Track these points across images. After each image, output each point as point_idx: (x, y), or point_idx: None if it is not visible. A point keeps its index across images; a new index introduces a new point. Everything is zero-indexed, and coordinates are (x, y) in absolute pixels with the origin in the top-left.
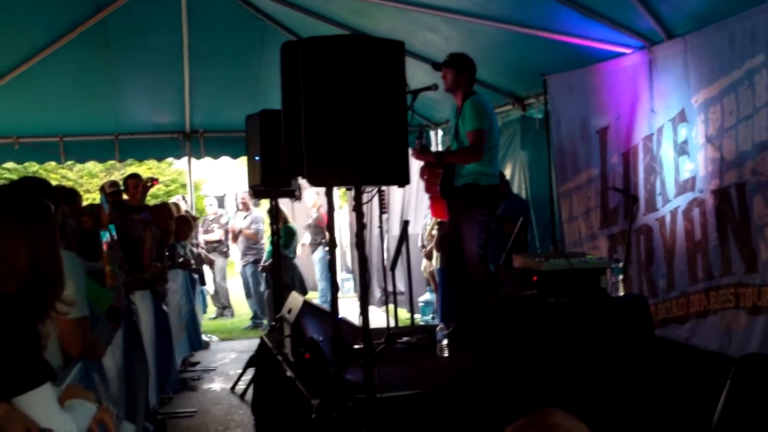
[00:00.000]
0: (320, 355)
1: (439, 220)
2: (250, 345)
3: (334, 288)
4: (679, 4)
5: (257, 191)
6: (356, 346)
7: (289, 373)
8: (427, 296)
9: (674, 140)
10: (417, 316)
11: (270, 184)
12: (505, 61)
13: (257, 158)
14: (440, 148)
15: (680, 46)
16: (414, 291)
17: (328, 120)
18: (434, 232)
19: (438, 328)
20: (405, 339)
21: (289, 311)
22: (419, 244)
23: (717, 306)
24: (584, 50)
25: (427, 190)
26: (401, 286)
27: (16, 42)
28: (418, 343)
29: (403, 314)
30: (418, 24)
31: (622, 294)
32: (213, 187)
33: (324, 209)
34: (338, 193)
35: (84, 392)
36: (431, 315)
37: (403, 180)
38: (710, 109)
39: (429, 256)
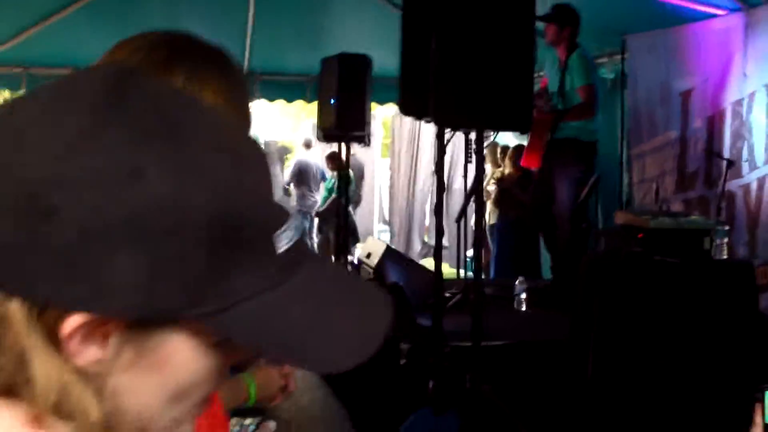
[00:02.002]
0: (404, 300)
1: (497, 176)
2: None
3: (439, 234)
4: None
5: (328, 135)
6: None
7: None
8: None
9: None
10: (461, 271)
11: (345, 127)
12: (581, 17)
13: (333, 101)
14: None
15: None
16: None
17: (458, 60)
18: (490, 187)
19: (517, 281)
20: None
21: (368, 255)
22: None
23: None
24: (670, 9)
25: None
26: (445, 240)
27: None
28: (496, 295)
29: (446, 269)
30: None
31: (725, 257)
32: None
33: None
34: (380, 145)
35: None
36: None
37: (525, 126)
38: None
39: (481, 212)
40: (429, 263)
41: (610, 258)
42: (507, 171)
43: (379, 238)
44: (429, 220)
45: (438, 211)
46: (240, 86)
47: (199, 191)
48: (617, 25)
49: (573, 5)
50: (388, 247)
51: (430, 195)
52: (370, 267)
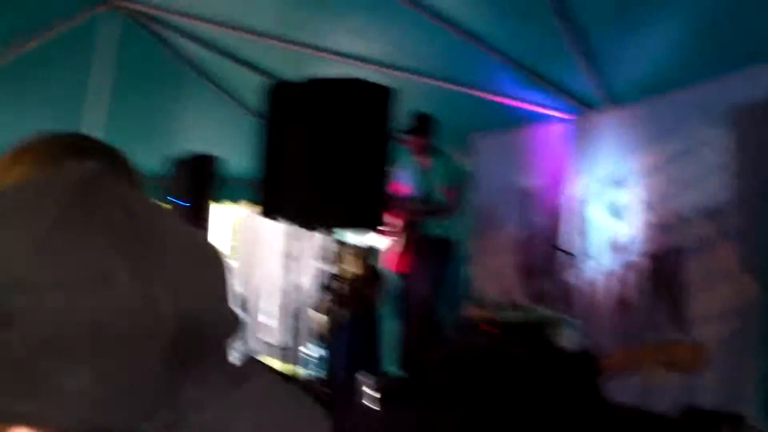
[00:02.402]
0: None
1: (344, 273)
2: None
3: (285, 331)
4: (627, 71)
5: None
6: None
7: None
8: (321, 351)
9: (607, 204)
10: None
11: (198, 227)
12: None
13: (188, 202)
14: None
15: (622, 114)
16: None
17: (316, 163)
18: (335, 284)
19: (365, 378)
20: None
21: None
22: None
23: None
24: (516, 111)
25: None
26: (282, 337)
27: None
28: (342, 393)
29: (284, 367)
30: (343, 73)
31: (573, 347)
32: None
33: None
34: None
35: None
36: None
37: (377, 225)
38: (651, 175)
39: (327, 310)
40: (266, 362)
41: (460, 352)
42: (354, 269)
43: None
44: (264, 317)
45: (286, 308)
46: (141, 185)
47: (166, 297)
48: (463, 126)
49: (426, 111)
50: None
51: (267, 293)
52: None
